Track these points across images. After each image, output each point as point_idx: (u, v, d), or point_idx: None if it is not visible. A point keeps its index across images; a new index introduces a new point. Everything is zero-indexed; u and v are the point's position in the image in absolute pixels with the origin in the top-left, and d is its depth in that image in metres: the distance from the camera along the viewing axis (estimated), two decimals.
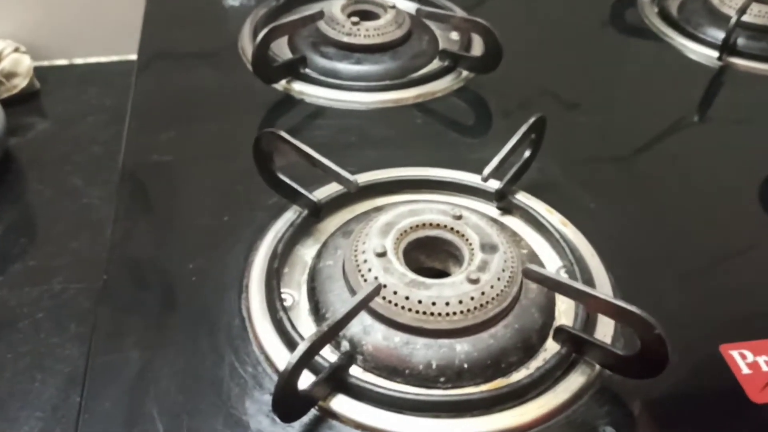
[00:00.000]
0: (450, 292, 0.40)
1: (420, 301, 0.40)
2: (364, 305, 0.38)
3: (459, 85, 0.63)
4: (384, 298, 0.41)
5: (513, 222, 0.50)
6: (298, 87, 0.61)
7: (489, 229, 0.44)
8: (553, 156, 0.54)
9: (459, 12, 0.71)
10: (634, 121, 0.62)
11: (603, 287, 0.45)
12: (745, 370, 0.41)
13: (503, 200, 0.50)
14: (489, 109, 0.62)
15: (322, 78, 0.62)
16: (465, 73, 0.63)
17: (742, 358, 0.42)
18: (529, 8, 0.78)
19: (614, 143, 0.59)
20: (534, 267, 0.40)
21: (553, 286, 0.40)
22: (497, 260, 0.42)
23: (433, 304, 0.40)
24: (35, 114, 0.80)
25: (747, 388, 0.40)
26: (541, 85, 0.65)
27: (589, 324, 0.42)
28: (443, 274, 0.46)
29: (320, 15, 0.63)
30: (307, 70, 0.63)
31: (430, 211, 0.46)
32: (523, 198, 0.51)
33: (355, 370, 0.40)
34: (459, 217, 0.45)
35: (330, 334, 0.37)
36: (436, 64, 0.65)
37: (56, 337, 0.56)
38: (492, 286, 0.41)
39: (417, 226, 0.45)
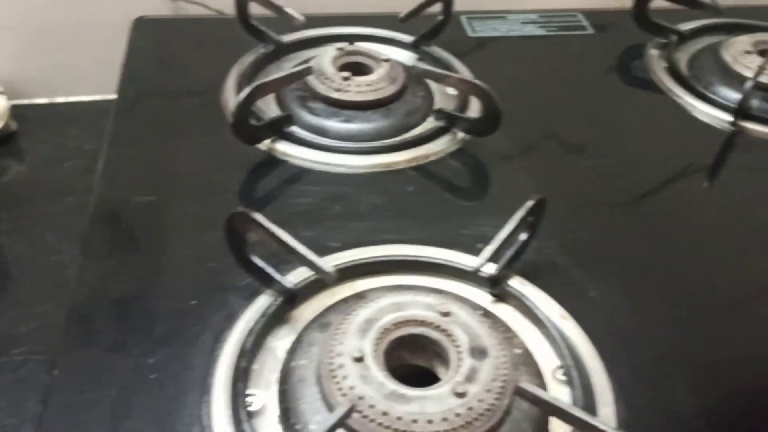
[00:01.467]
0: (433, 407, 0.36)
1: (399, 418, 0.36)
2: (333, 430, 0.34)
3: (455, 147, 0.59)
4: (360, 412, 0.36)
5: (507, 312, 0.46)
6: (282, 147, 0.57)
7: (479, 329, 0.40)
8: (553, 230, 0.50)
9: (457, 65, 0.67)
10: (640, 184, 0.58)
11: (603, 395, 0.41)
12: None
13: (497, 287, 0.46)
14: (487, 173, 0.58)
15: (308, 138, 0.58)
16: (461, 134, 0.60)
17: None
18: (531, 52, 0.74)
19: (617, 212, 0.56)
20: (528, 386, 0.36)
21: (549, 410, 0.36)
22: (487, 368, 0.38)
23: (414, 421, 0.36)
24: (11, 157, 0.76)
25: None
26: (543, 136, 0.62)
27: None
28: (427, 371, 0.42)
29: (308, 71, 0.59)
30: (294, 128, 0.59)
31: (415, 305, 0.42)
32: (518, 285, 0.47)
33: None
34: (447, 314, 0.41)
35: None
36: (430, 122, 0.61)
37: (13, 418, 0.52)
38: (480, 400, 0.37)
39: (400, 323, 0.41)
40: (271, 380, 0.41)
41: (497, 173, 0.58)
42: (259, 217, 0.42)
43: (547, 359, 0.43)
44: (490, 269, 0.46)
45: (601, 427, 0.33)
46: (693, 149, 0.63)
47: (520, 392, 0.36)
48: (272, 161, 0.57)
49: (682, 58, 0.72)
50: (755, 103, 0.64)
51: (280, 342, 0.43)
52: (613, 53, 0.74)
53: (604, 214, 0.55)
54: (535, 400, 0.35)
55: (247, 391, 0.40)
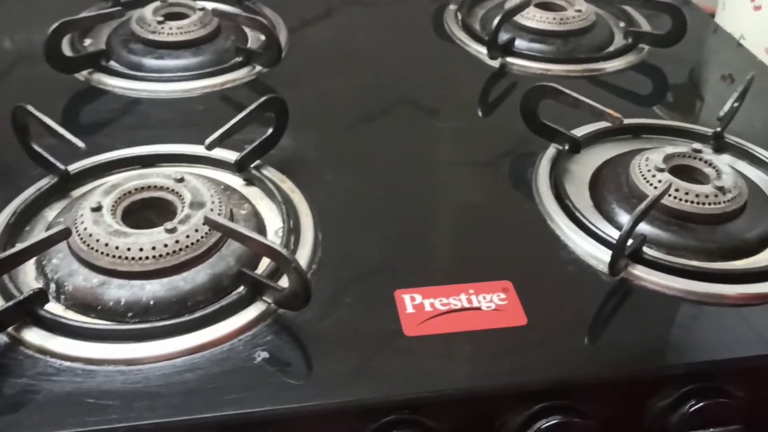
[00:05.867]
0: (146, 239, 0.46)
1: (117, 247, 0.46)
2: (47, 245, 0.44)
3: (250, 78, 0.69)
4: (88, 245, 0.46)
5: (252, 192, 0.56)
6: (98, 77, 0.67)
7: (204, 190, 0.50)
8: (312, 137, 0.61)
9: (270, 14, 0.78)
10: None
11: (306, 244, 0.51)
12: (410, 310, 0.47)
13: (243, 171, 0.56)
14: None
15: (122, 71, 0.68)
16: (259, 67, 0.70)
17: (411, 300, 0.48)
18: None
19: (364, 127, 0.65)
20: (213, 216, 0.46)
21: (225, 232, 0.46)
22: (200, 215, 0.48)
23: (128, 249, 0.46)
24: None
25: (405, 324, 0.46)
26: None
27: (277, 273, 0.48)
28: None
29: (120, 13, 0.69)
30: (113, 64, 0.69)
31: (157, 175, 0.52)
32: (266, 172, 0.57)
33: (55, 307, 0.45)
34: (181, 180, 0.51)
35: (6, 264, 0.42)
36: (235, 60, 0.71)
37: None
38: (188, 236, 0.47)
39: (142, 188, 0.51)
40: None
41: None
42: (31, 108, 0.52)
43: (272, 222, 0.53)
44: (234, 156, 0.56)
45: (256, 237, 0.44)
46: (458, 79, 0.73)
47: (206, 220, 0.46)
48: (89, 89, 0.67)
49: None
50: (519, 42, 0.75)
51: (54, 212, 0.53)
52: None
53: (354, 128, 0.65)
54: (215, 225, 0.45)
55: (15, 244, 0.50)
